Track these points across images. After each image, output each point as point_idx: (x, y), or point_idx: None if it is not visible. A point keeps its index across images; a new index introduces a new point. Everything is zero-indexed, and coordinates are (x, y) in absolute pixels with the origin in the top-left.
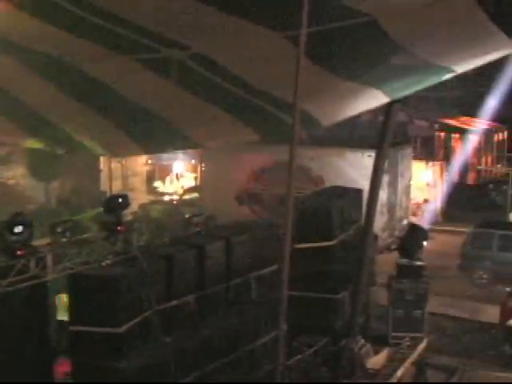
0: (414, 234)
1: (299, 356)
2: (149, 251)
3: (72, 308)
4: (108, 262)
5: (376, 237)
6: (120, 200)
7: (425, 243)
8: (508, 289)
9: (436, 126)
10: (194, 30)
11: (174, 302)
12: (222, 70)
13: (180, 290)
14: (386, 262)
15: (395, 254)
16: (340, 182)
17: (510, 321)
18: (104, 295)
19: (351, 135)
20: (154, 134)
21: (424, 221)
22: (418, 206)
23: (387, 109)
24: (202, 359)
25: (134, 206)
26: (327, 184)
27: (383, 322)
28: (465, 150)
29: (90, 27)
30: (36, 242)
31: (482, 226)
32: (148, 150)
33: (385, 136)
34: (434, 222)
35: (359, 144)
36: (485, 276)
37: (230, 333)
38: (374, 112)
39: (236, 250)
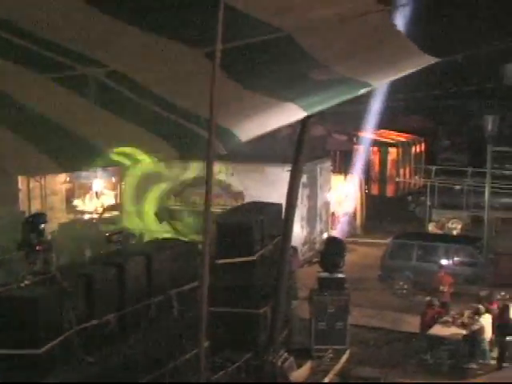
0: (333, 246)
1: (222, 371)
2: (68, 270)
3: None
4: (27, 282)
5: (296, 250)
6: (38, 219)
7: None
8: (428, 298)
9: (354, 139)
10: (111, 48)
11: (95, 322)
12: (141, 87)
13: (101, 308)
14: (308, 276)
15: (317, 268)
16: (260, 197)
17: (430, 330)
18: (23, 316)
19: (271, 150)
20: (72, 152)
21: (344, 233)
22: (338, 218)
23: (302, 123)
24: (124, 378)
25: (54, 226)
26: (247, 199)
27: (306, 335)
28: (383, 162)
29: (3, 44)
30: None
31: (401, 237)
32: (66, 167)
33: (300, 150)
34: (355, 235)
35: (279, 158)
36: (405, 286)
37: (153, 351)
38: (294, 126)
39: (156, 268)
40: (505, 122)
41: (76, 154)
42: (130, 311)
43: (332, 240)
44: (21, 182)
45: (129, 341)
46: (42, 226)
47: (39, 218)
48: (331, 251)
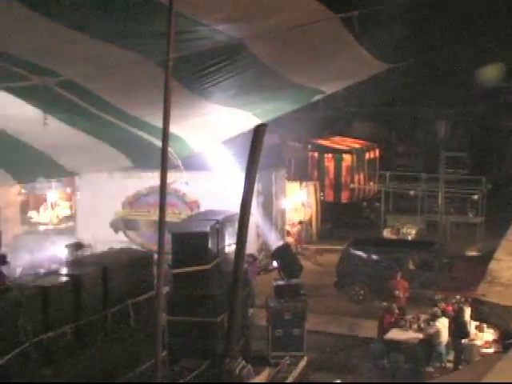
0: (285, 254)
1: (181, 381)
2: (24, 282)
3: None
4: None
5: (256, 258)
6: None
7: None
8: (384, 303)
9: (309, 146)
10: (65, 58)
11: (51, 334)
12: (94, 97)
13: (57, 320)
14: (265, 283)
15: (274, 275)
16: (216, 206)
17: (387, 334)
18: None
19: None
20: (25, 163)
21: (300, 241)
22: (294, 226)
23: (254, 131)
24: None
25: (9, 237)
26: (203, 208)
27: (263, 342)
28: (338, 169)
29: None
30: None
31: (356, 243)
32: (19, 178)
33: (253, 158)
34: (310, 242)
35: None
36: (361, 292)
37: (110, 362)
38: (249, 134)
39: (113, 278)
40: (457, 128)
41: (29, 166)
42: (86, 322)
43: (282, 248)
44: None
45: (85, 352)
46: None
47: None
48: (284, 258)
